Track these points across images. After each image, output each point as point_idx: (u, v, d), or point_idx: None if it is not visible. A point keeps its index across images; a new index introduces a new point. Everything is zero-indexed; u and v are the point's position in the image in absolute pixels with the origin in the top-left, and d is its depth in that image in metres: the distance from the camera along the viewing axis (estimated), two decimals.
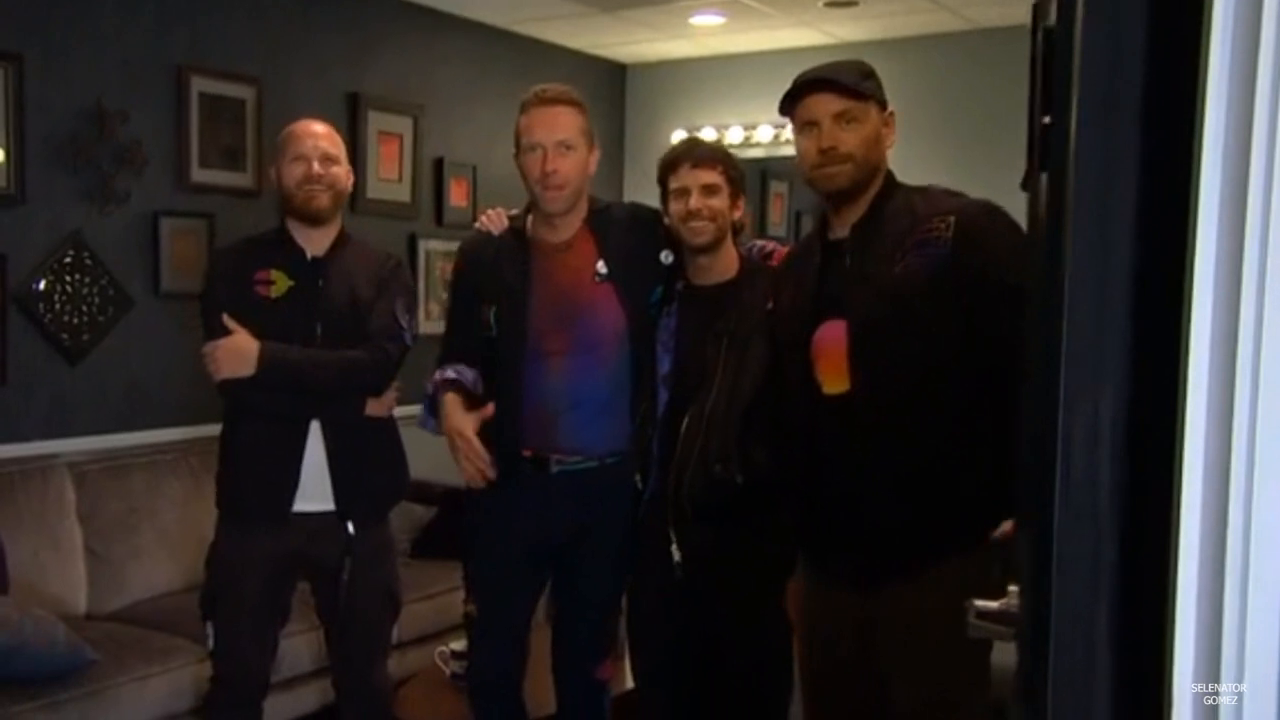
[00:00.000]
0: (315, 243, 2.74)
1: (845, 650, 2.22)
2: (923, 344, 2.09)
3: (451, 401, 2.48)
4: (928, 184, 2.23)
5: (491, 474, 2.42)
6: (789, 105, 2.22)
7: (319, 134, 2.75)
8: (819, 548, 2.30)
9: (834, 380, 2.16)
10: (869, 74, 2.21)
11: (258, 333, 2.62)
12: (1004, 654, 1.85)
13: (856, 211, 2.19)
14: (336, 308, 2.70)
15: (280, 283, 2.70)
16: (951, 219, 2.08)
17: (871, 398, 2.12)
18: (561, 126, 2.48)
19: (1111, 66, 0.86)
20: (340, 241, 2.79)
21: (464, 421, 2.43)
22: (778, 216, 5.63)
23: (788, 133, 6.13)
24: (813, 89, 2.17)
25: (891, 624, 2.14)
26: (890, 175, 2.23)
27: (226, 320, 2.61)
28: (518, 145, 2.53)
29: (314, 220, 2.72)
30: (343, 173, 2.77)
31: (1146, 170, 0.85)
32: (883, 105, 2.21)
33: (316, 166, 2.69)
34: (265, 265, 2.71)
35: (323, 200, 2.70)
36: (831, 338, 2.17)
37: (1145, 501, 0.86)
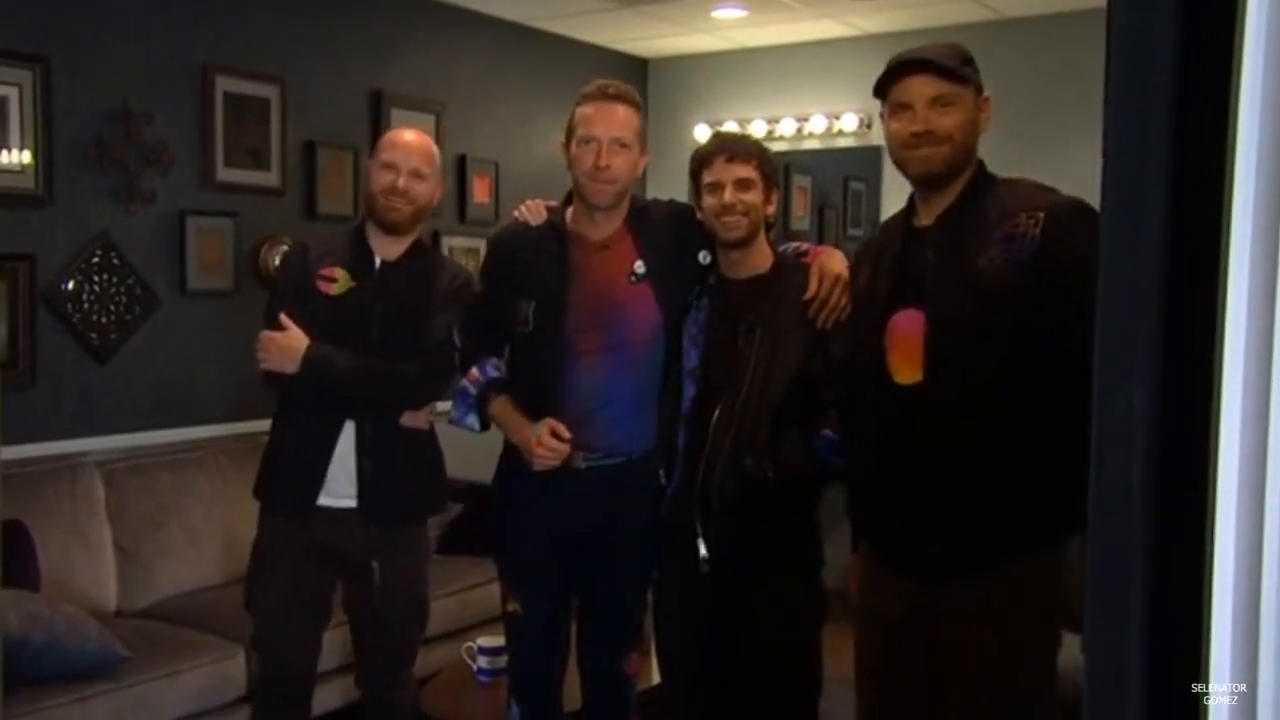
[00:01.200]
0: (387, 249, 2.78)
1: (905, 637, 2.19)
2: (1002, 342, 2.04)
3: (512, 411, 2.53)
4: (1019, 176, 2.18)
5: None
6: (883, 87, 2.17)
7: (411, 147, 2.77)
8: (883, 535, 2.26)
9: (907, 370, 2.12)
10: (968, 59, 2.15)
11: (314, 328, 2.68)
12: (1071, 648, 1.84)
13: (945, 200, 2.15)
14: (394, 315, 2.73)
15: (342, 281, 2.74)
16: (1041, 215, 2.03)
17: (945, 392, 2.07)
18: (619, 124, 2.48)
19: (1143, 56, 0.84)
20: (414, 250, 2.82)
21: (541, 430, 2.44)
22: (801, 210, 5.59)
23: (810, 126, 6.05)
24: (909, 70, 2.12)
25: (955, 619, 2.10)
26: (981, 164, 2.18)
27: (283, 318, 2.68)
28: (569, 135, 2.53)
29: (390, 230, 2.76)
30: (428, 188, 2.78)
31: (1179, 161, 0.84)
32: (979, 90, 2.15)
33: (402, 181, 2.72)
34: (333, 262, 2.77)
35: (400, 214, 2.74)
36: (907, 328, 2.13)
37: (1179, 498, 0.85)
